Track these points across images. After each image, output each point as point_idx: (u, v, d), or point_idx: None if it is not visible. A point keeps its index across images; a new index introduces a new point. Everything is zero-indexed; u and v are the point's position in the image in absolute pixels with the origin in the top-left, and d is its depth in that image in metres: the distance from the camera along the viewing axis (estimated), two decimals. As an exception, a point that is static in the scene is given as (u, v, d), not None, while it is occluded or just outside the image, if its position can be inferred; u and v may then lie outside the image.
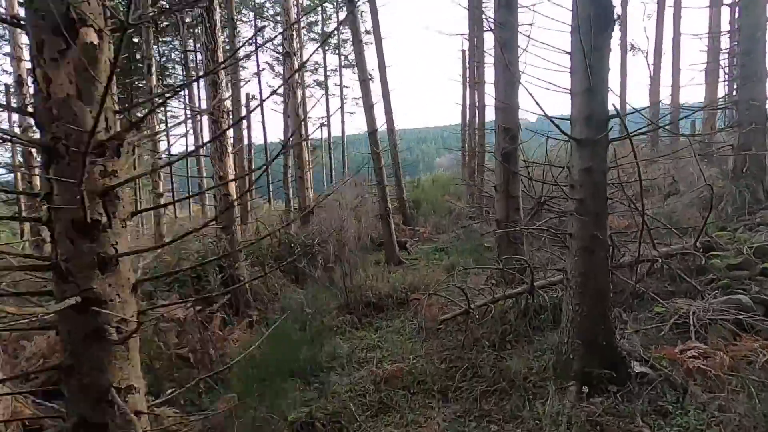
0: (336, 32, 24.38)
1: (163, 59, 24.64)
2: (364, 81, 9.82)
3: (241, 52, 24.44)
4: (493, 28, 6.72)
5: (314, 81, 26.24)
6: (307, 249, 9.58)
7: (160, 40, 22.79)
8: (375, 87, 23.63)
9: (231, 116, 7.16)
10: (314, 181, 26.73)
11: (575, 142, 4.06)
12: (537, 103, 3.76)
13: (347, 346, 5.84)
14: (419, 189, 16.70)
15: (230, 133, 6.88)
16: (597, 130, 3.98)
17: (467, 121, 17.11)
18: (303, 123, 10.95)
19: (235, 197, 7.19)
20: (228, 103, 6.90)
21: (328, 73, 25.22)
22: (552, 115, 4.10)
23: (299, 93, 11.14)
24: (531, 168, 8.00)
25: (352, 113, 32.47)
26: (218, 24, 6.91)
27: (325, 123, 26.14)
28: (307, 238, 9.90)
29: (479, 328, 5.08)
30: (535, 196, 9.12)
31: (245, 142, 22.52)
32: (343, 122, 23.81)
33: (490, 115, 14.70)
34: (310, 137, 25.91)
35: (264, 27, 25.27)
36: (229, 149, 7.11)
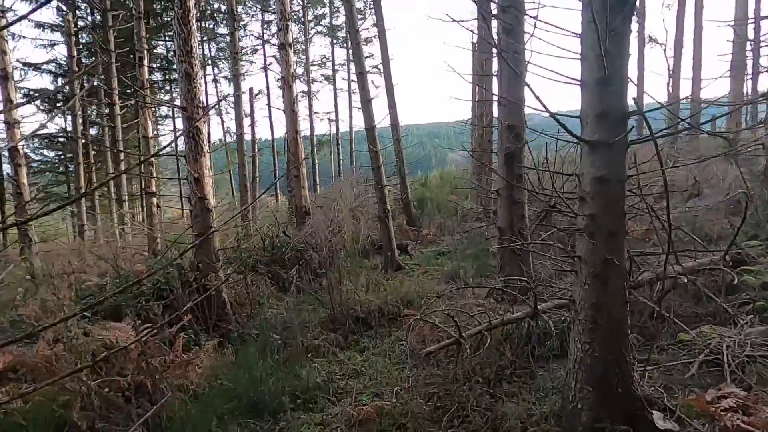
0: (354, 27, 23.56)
1: (170, 53, 24.11)
2: (362, 74, 9.05)
3: (249, 47, 23.84)
4: (496, 12, 5.90)
5: (322, 75, 25.53)
6: (299, 253, 8.88)
7: (165, 34, 22.25)
8: (380, 80, 22.80)
9: (207, 113, 6.43)
10: (321, 176, 26.11)
11: (586, 145, 3.28)
12: (537, 97, 2.98)
13: (326, 371, 5.13)
14: (426, 187, 15.90)
15: (205, 132, 6.15)
16: (613, 129, 3.19)
17: (477, 117, 16.25)
18: (297, 119, 10.20)
19: (212, 201, 6.50)
20: (203, 98, 6.18)
21: (336, 67, 24.50)
22: (567, 111, 3.32)
23: (295, 87, 10.41)
24: (539, 168, 7.18)
25: (359, 108, 31.65)
26: (192, 11, 6.20)
27: (333, 118, 25.44)
28: (300, 242, 9.21)
29: (473, 359, 4.31)
30: (544, 199, 8.31)
31: (248, 137, 21.93)
32: (350, 117, 23.08)
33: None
34: (317, 133, 25.26)
35: (271, 21, 24.57)
36: (205, 148, 6.41)
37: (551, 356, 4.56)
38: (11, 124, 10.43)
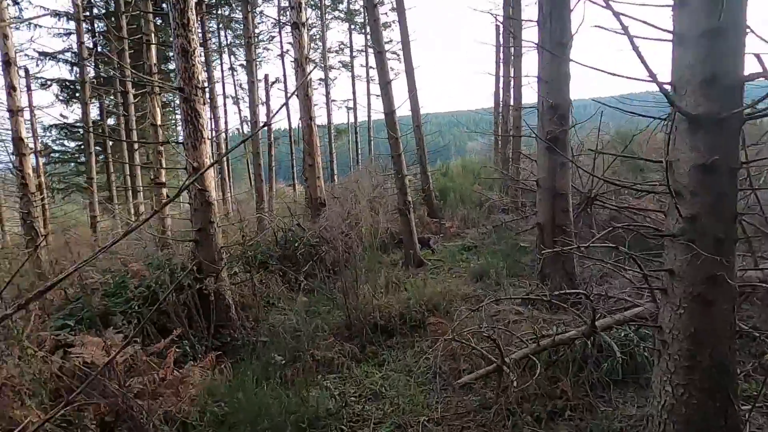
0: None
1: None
2: (380, 53, 8.17)
3: (265, 32, 23.03)
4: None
5: (339, 62, 24.59)
6: (312, 249, 8.10)
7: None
8: (399, 66, 21.81)
9: (206, 93, 5.65)
10: (340, 166, 25.30)
11: (687, 122, 2.38)
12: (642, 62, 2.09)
13: (339, 392, 4.35)
14: (447, 176, 14.96)
15: (206, 114, 5.37)
16: (725, 99, 2.29)
17: (500, 102, 15.23)
18: (311, 105, 9.37)
19: (213, 193, 5.73)
20: (201, 77, 5.39)
21: (354, 54, 23.55)
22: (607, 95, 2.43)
23: (309, 70, 9.58)
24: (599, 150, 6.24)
25: (378, 95, 30.67)
26: (190, -22, 5.40)
27: (351, 106, 24.56)
28: (314, 236, 8.42)
29: (517, 389, 3.47)
30: (582, 190, 7.37)
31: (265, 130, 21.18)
32: (369, 104, 22.16)
33: (528, 96, 12.85)
34: (335, 121, 24.42)
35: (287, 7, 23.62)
36: (205, 134, 5.63)
37: (610, 383, 3.70)
38: (14, 112, 9.81)
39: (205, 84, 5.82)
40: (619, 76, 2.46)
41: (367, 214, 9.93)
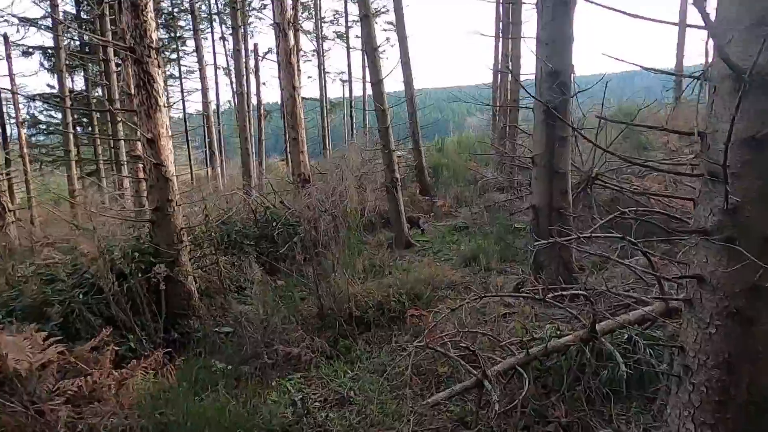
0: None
1: (175, 9, 22.39)
2: (366, 17, 7.42)
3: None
4: None
5: (334, 33, 23.53)
6: (291, 228, 7.49)
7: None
8: (392, 35, 20.84)
9: (159, 55, 4.95)
10: (333, 140, 24.52)
11: (733, 80, 1.74)
12: None
13: (302, 396, 3.80)
14: (442, 152, 14.27)
15: (160, 80, 4.69)
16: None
17: (499, 75, 14.44)
18: (294, 73, 8.64)
19: (172, 168, 5.08)
20: (155, 36, 4.68)
21: (349, 24, 22.47)
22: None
23: (292, 35, 8.80)
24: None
25: (374, 68, 29.61)
26: None
27: (345, 79, 23.64)
28: (295, 214, 7.79)
29: (500, 409, 2.89)
30: (582, 168, 6.72)
31: (254, 100, 20.34)
32: (364, 77, 21.18)
33: (528, 66, 12.05)
34: (330, 94, 23.52)
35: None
36: (161, 100, 4.95)
37: (611, 395, 3.13)
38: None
39: (160, 44, 5.11)
40: (639, 17, 1.82)
41: (353, 191, 9.29)
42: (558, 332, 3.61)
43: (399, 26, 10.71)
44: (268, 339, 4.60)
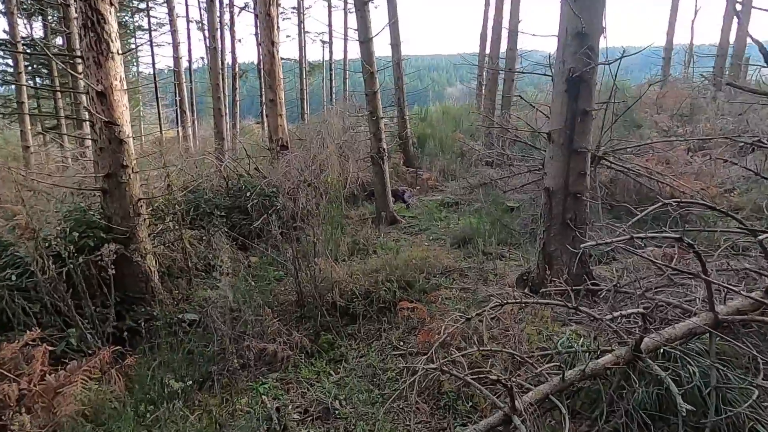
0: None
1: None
2: (357, -35, 6.53)
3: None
4: None
5: (316, -11, 22.11)
6: (267, 199, 6.73)
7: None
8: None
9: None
10: (312, 105, 23.40)
11: None
12: None
13: (278, 405, 3.17)
14: (426, 122, 13.52)
15: (113, 20, 3.82)
16: None
17: (487, 42, 13.64)
18: (274, 27, 7.72)
19: (127, 127, 4.25)
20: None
21: (332, -20, 21.05)
22: None
23: (271, -17, 7.81)
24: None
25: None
26: None
27: (326, 40, 22.38)
28: (270, 184, 7.03)
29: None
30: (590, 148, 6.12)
31: (229, 57, 19.03)
32: (345, 38, 19.99)
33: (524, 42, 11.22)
34: (309, 57, 22.25)
35: None
36: (113, 47, 4.08)
37: (649, 423, 2.60)
38: None
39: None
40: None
41: (335, 160, 8.54)
42: (580, 338, 3.06)
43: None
44: (238, 332, 3.94)
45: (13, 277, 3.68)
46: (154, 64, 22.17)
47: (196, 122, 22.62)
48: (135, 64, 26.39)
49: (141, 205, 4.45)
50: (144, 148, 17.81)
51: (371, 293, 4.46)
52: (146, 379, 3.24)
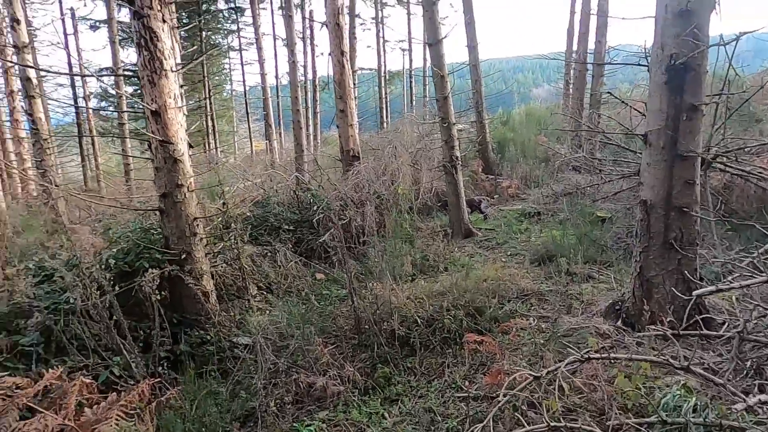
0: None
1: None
2: (424, -37, 6.08)
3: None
4: None
5: (394, -3, 21.93)
6: (332, 213, 6.45)
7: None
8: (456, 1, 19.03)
9: (169, 10, 3.93)
10: (392, 114, 23.19)
11: None
12: None
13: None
14: (508, 126, 12.70)
15: (167, 40, 3.70)
16: None
17: (575, 38, 12.55)
18: (342, 36, 7.49)
19: (182, 145, 4.12)
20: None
21: (410, -12, 20.77)
22: None
23: (340, -8, 7.59)
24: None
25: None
26: None
27: (406, 47, 22.12)
28: (339, 197, 6.75)
29: None
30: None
31: (310, 71, 19.34)
32: (424, 43, 19.54)
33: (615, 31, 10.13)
34: (389, 65, 22.07)
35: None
36: (167, 63, 3.97)
37: None
38: (20, 49, 8.58)
39: (169, -5, 4.09)
40: None
41: (407, 170, 8.13)
42: (692, 397, 2.35)
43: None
44: (288, 362, 3.62)
45: (70, 302, 3.63)
46: (244, 81, 23.22)
47: (282, 135, 23.32)
48: (229, 82, 27.81)
49: (197, 225, 4.30)
50: (234, 162, 18.59)
51: (434, 320, 3.96)
52: (183, 420, 2.98)
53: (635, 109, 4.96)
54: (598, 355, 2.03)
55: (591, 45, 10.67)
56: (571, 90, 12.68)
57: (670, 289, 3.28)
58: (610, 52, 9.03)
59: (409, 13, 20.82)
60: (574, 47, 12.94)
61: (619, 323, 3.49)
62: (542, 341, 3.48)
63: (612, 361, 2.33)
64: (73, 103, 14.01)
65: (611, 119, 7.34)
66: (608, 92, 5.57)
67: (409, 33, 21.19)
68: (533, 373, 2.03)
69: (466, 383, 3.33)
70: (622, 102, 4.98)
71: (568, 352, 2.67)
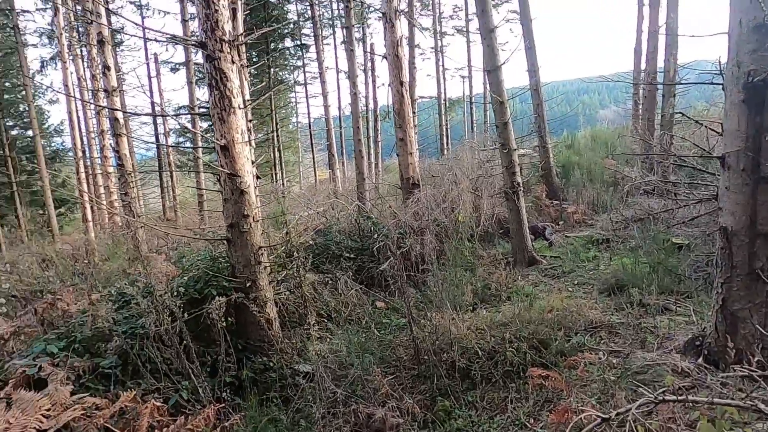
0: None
1: (300, 18, 22.78)
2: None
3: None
4: None
5: (453, 27, 22.18)
6: (389, 240, 6.46)
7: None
8: (516, 27, 18.88)
9: (238, 51, 4.19)
10: (453, 141, 23.20)
11: None
12: None
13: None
14: (572, 149, 12.32)
15: (235, 79, 3.94)
16: None
17: (642, 56, 12.05)
18: (402, 68, 7.64)
19: (248, 178, 4.32)
20: (227, 27, 3.92)
21: (469, 17, 20.96)
22: None
23: (399, 25, 7.79)
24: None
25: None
26: None
27: (466, 75, 22.19)
28: (398, 225, 6.77)
29: None
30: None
31: (372, 102, 19.81)
32: (484, 69, 19.58)
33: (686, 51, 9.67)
34: (449, 92, 22.21)
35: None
36: (236, 102, 4.20)
37: None
38: (109, 92, 9.43)
39: (239, 38, 4.37)
40: None
41: (468, 197, 8.03)
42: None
43: (522, 4, 9.16)
44: (348, 391, 3.61)
45: (146, 326, 3.84)
46: (309, 113, 24.16)
47: (345, 163, 23.91)
48: (295, 114, 29.01)
49: (262, 253, 4.45)
50: (299, 192, 19.23)
51: (497, 352, 3.82)
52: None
53: (711, 129, 4.66)
54: (674, 397, 1.85)
55: (660, 63, 10.22)
56: (640, 111, 12.13)
57: (760, 323, 2.98)
58: (682, 71, 8.58)
59: (468, 41, 20.96)
60: (642, 66, 12.43)
61: (700, 360, 3.21)
62: (613, 378, 3.26)
63: (692, 403, 2.13)
64: (154, 141, 15.13)
65: (685, 140, 6.92)
66: (680, 112, 5.28)
67: (469, 60, 21.30)
68: (601, 415, 1.90)
69: (531, 420, 3.17)
70: (696, 122, 4.69)
71: (641, 391, 2.48)
